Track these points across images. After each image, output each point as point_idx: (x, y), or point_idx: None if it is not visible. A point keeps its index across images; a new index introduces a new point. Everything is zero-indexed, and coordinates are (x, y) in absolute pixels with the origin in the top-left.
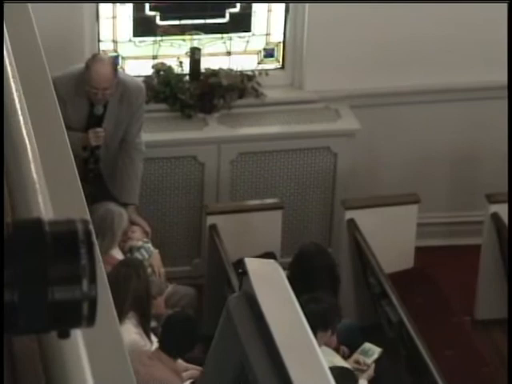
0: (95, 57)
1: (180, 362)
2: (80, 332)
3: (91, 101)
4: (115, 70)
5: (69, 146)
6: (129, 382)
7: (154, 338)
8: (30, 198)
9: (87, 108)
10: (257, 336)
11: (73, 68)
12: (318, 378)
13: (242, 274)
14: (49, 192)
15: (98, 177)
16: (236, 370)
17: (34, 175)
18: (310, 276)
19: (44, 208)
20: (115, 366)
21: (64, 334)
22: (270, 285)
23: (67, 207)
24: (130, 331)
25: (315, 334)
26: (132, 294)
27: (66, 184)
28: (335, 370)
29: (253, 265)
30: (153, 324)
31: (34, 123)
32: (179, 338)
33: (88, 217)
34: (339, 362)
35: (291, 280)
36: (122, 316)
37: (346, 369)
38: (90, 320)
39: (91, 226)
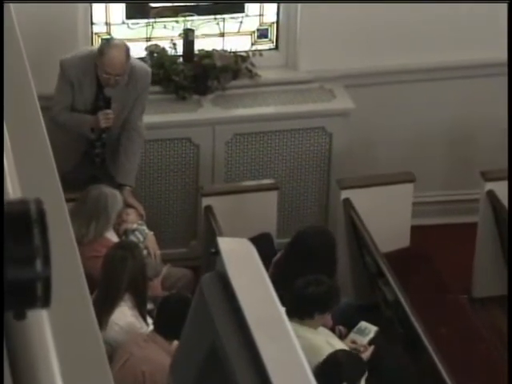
0: (109, 42)
1: (176, 343)
2: (47, 314)
3: (99, 84)
4: (128, 56)
5: (43, 126)
6: (102, 370)
7: (150, 321)
8: None
9: (95, 91)
10: (228, 314)
11: (80, 50)
12: (289, 355)
13: (215, 253)
14: (20, 174)
15: (103, 161)
16: (208, 348)
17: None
18: (305, 256)
19: (12, 190)
20: (86, 350)
21: (20, 315)
22: (243, 263)
23: (40, 190)
24: (126, 314)
25: (313, 316)
26: (128, 277)
27: (40, 165)
28: (343, 355)
29: (225, 244)
30: (149, 306)
31: (6, 105)
32: (175, 319)
33: (62, 199)
34: (336, 342)
35: (285, 261)
36: (117, 298)
37: (356, 354)
38: (45, 301)
39: (45, 207)
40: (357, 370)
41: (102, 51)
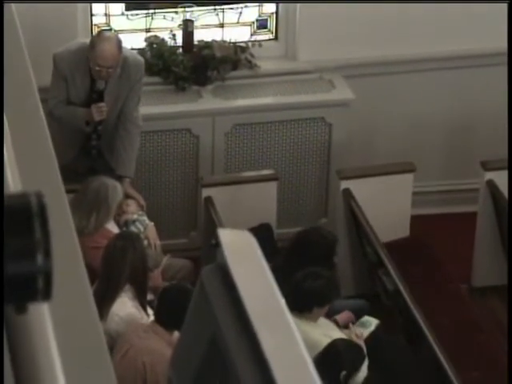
0: (101, 35)
1: (176, 334)
2: (48, 306)
3: (92, 76)
4: (120, 48)
5: (44, 120)
6: (103, 362)
7: (151, 311)
8: None
9: (88, 83)
10: (229, 307)
11: (72, 43)
12: (290, 347)
13: (216, 245)
14: (21, 168)
15: (100, 153)
16: (208, 341)
17: (3, 150)
18: (305, 252)
19: (12, 183)
20: (87, 341)
21: (21, 309)
22: (244, 256)
23: (40, 182)
24: (127, 304)
25: (311, 310)
26: (128, 267)
27: (40, 158)
28: (342, 344)
29: (226, 236)
30: (150, 297)
31: (5, 98)
32: (175, 310)
33: (62, 191)
34: (335, 334)
35: (285, 259)
36: (118, 289)
37: (354, 343)
38: (46, 294)
39: (45, 200)
40: (356, 358)
41: (93, 44)
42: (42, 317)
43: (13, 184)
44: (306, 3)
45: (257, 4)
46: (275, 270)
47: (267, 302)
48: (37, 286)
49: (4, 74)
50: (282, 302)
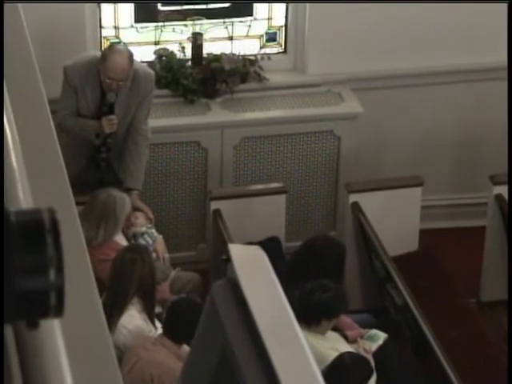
0: (112, 47)
1: (185, 347)
2: (59, 322)
3: (103, 89)
4: (131, 61)
5: (54, 133)
6: (112, 374)
7: (159, 324)
8: (8, 187)
9: (98, 96)
10: (240, 323)
11: (83, 56)
12: (300, 361)
13: (226, 260)
14: (32, 182)
15: (109, 165)
16: (218, 356)
17: (14, 163)
18: (313, 262)
19: (23, 197)
20: (97, 354)
21: (33, 325)
22: (254, 271)
23: (51, 197)
24: (135, 317)
25: (320, 322)
26: (137, 280)
27: (51, 173)
28: (349, 357)
29: (237, 251)
30: (158, 310)
31: (15, 111)
32: (184, 323)
33: (73, 206)
34: (343, 347)
35: (292, 266)
36: (126, 302)
37: (362, 356)
38: (58, 310)
39: (58, 215)
40: (363, 371)
41: (104, 57)
42: (52, 329)
43: (24, 199)
44: (316, 3)
45: (266, 17)
46: (281, 278)
47: (277, 317)
48: (49, 302)
49: (15, 85)
50: (292, 316)
